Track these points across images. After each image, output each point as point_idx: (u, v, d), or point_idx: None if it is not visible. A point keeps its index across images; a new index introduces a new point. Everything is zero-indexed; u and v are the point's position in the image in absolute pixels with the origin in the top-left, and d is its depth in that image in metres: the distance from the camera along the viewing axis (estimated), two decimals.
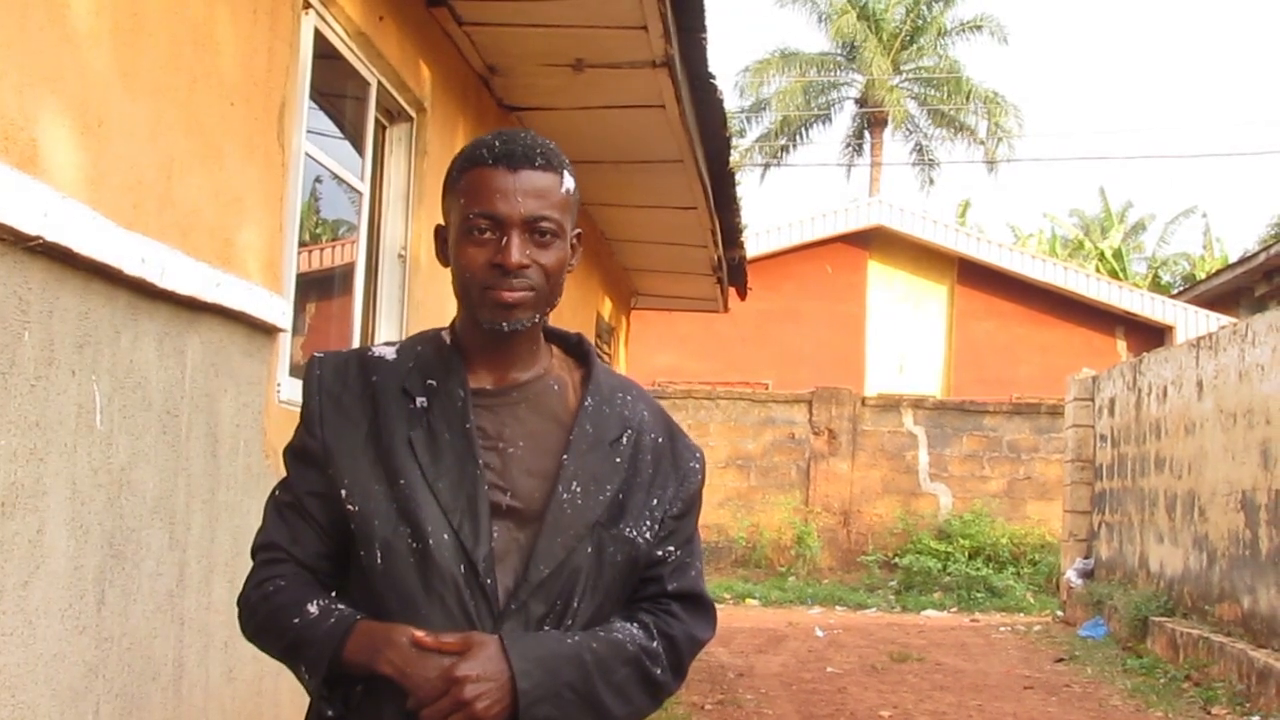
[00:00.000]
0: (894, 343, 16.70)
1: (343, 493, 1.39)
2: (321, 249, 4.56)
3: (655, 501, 1.45)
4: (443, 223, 1.47)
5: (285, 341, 3.19)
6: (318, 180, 4.02)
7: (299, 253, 3.43)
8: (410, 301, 4.28)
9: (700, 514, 1.56)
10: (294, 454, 1.46)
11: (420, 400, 1.41)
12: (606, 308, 9.15)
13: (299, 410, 1.49)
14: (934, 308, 16.79)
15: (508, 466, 1.40)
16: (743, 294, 10.06)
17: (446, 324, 1.52)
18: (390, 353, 1.47)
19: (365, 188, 4.07)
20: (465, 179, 1.39)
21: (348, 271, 4.13)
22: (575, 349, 1.54)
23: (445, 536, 1.35)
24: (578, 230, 1.48)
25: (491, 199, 1.36)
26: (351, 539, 1.39)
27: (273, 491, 1.48)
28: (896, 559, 13.41)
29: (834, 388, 14.24)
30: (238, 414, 2.84)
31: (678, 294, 10.40)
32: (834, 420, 14.00)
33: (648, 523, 1.44)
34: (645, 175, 6.35)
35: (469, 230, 1.38)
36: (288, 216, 3.17)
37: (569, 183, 1.43)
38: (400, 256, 4.27)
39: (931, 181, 28.02)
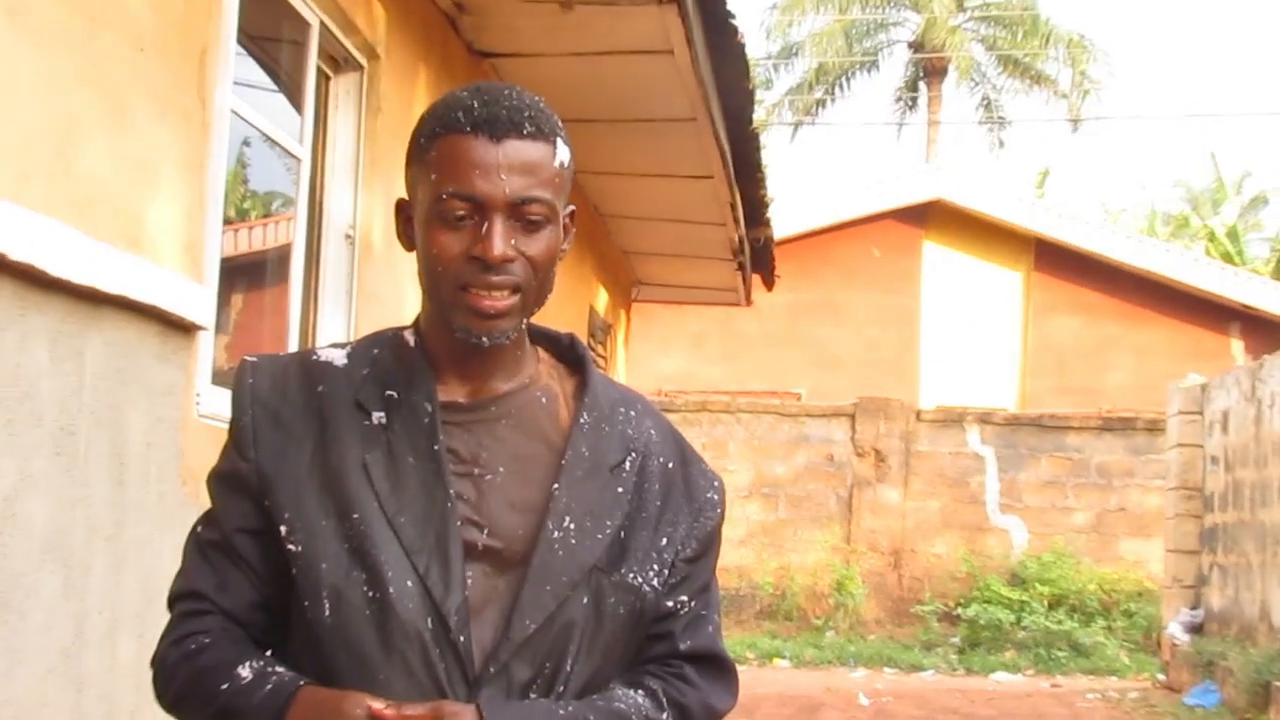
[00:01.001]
0: (956, 342, 16.69)
1: (282, 529, 1.39)
2: (251, 228, 4.57)
3: (664, 541, 1.46)
4: (406, 197, 1.47)
5: (207, 342, 3.19)
6: (246, 143, 4.02)
7: (224, 232, 3.43)
8: (360, 292, 4.28)
9: (718, 556, 1.56)
10: (221, 481, 1.46)
11: (378, 415, 1.42)
12: (601, 300, 9.15)
13: (224, 427, 1.50)
14: (1005, 299, 16.79)
15: (485, 497, 1.41)
16: (769, 283, 10.04)
17: (407, 321, 1.52)
18: (339, 357, 1.48)
19: (305, 152, 4.07)
20: (437, 149, 1.39)
21: (283, 255, 4.14)
22: (567, 353, 1.54)
23: (409, 583, 1.36)
24: (570, 208, 1.49)
25: (469, 176, 1.37)
26: (293, 586, 1.39)
27: (194, 527, 1.48)
28: (959, 609, 13.40)
29: (882, 399, 14.25)
30: (149, 431, 2.84)
31: (689, 283, 10.38)
32: (882, 438, 14.00)
33: (655, 567, 1.44)
34: (649, 137, 6.35)
35: (441, 214, 1.38)
36: (210, 188, 3.18)
37: (564, 154, 1.44)
38: (348, 237, 4.28)
39: (1002, 144, 27.97)
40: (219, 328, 3.40)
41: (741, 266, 9.15)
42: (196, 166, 3.08)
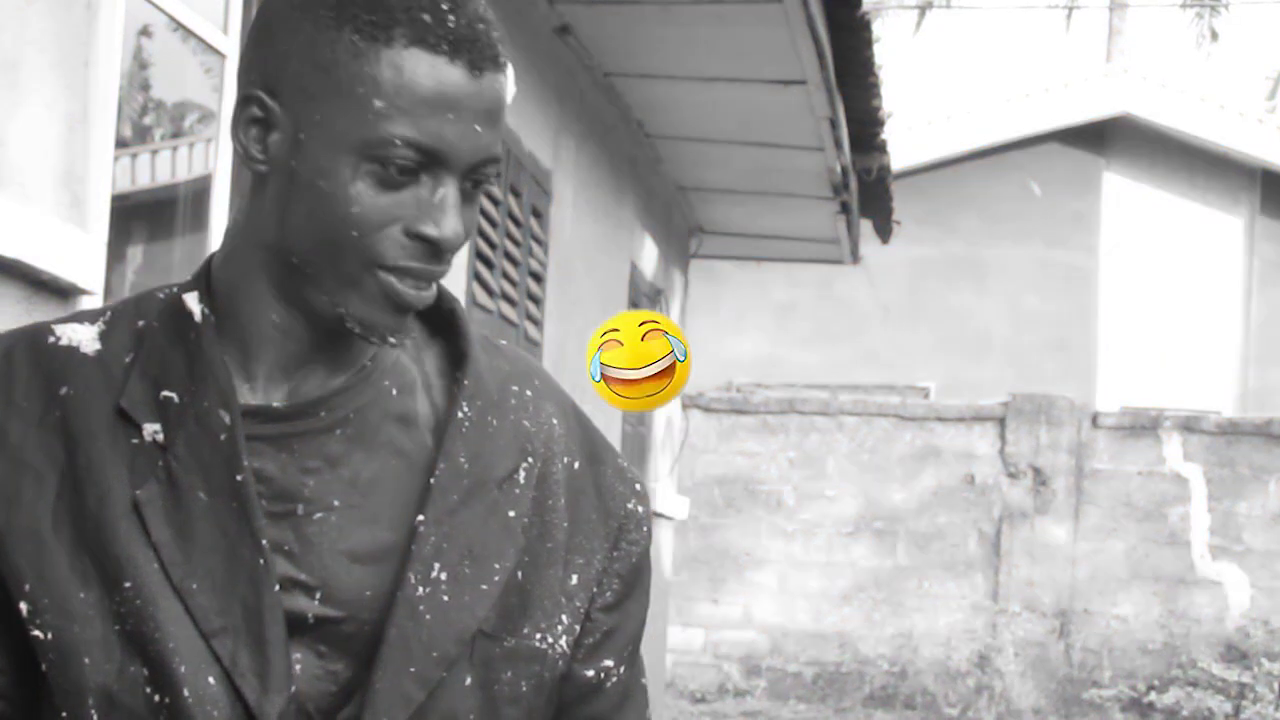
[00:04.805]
0: (1148, 317, 16.54)
1: (23, 607, 1.34)
2: (155, 152, 4.58)
3: (574, 580, 1.44)
4: (264, 88, 1.36)
5: None
6: (147, 33, 4.02)
7: (117, 159, 3.43)
8: None
9: (649, 594, 1.55)
10: None
11: (151, 429, 1.37)
12: (648, 255, 9.13)
13: None
14: (1220, 255, 16.62)
15: (313, 546, 1.37)
16: (885, 233, 9.99)
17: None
18: (88, 337, 1.42)
19: (231, 46, 4.07)
20: (388, 62, 1.32)
21: (200, 191, 4.15)
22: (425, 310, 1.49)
23: (210, 681, 1.32)
24: None
25: (439, 121, 1.32)
26: (43, 688, 1.36)
27: None
28: (1153, 694, 13.31)
29: (1045, 396, 14.15)
30: None
31: (771, 233, 10.35)
32: (1044, 452, 13.90)
33: (564, 619, 1.43)
34: (716, 25, 6.32)
35: (381, 164, 1.32)
36: (97, 96, 3.17)
37: (511, 88, 1.44)
38: None
39: (1214, 36, 27.73)
40: (110, 291, 3.40)
41: (845, 209, 9.11)
42: (77, 65, 3.08)
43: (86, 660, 1.32)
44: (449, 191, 1.34)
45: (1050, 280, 16.54)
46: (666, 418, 10.27)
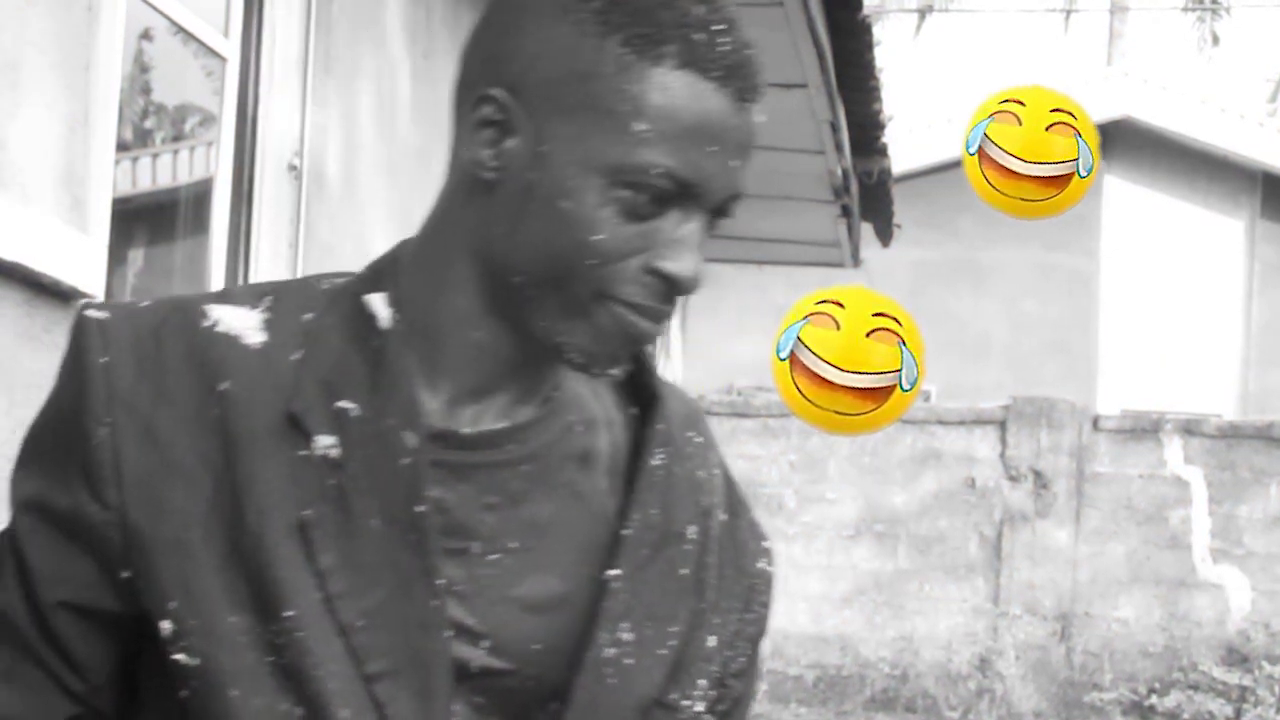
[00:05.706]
0: (1148, 320, 16.54)
1: (165, 626, 1.21)
2: (156, 155, 4.58)
3: (714, 641, 1.35)
4: (499, 87, 1.23)
5: None
6: (148, 37, 4.02)
7: (118, 162, 3.42)
8: (308, 244, 4.29)
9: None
10: (42, 517, 1.24)
11: (325, 443, 1.23)
12: None
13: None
14: (1221, 258, 16.61)
15: (486, 591, 1.26)
16: (885, 236, 9.99)
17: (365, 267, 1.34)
18: (251, 325, 1.26)
19: (232, 49, 4.08)
20: (655, 82, 1.21)
21: (201, 194, 4.16)
22: None
23: None
24: None
25: (700, 153, 1.23)
26: (180, 716, 1.23)
27: None
28: (1153, 698, 13.30)
29: (1045, 399, 14.14)
30: (8, 442, 2.82)
31: (772, 235, 10.35)
32: (1044, 455, 13.90)
33: (703, 682, 1.34)
34: None
35: (636, 189, 1.21)
36: (99, 99, 3.17)
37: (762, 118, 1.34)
38: (292, 168, 4.30)
39: (1215, 40, 27.73)
40: (111, 295, 3.41)
41: (846, 212, 9.12)
42: (79, 68, 3.07)
43: (234, 692, 1.20)
44: (695, 228, 1.24)
45: (1051, 283, 16.54)
46: None
